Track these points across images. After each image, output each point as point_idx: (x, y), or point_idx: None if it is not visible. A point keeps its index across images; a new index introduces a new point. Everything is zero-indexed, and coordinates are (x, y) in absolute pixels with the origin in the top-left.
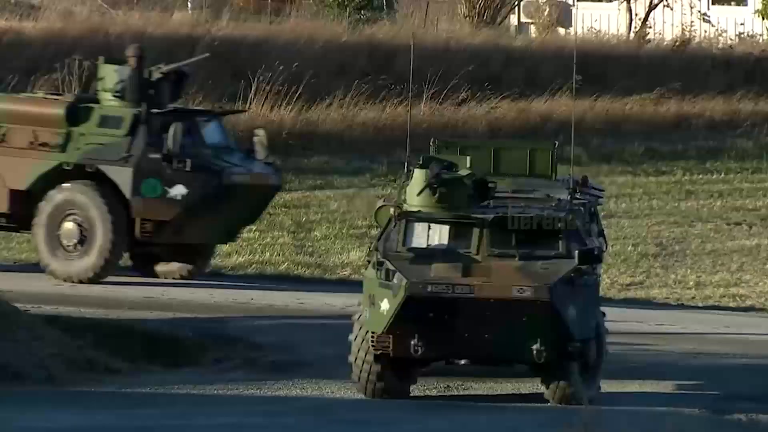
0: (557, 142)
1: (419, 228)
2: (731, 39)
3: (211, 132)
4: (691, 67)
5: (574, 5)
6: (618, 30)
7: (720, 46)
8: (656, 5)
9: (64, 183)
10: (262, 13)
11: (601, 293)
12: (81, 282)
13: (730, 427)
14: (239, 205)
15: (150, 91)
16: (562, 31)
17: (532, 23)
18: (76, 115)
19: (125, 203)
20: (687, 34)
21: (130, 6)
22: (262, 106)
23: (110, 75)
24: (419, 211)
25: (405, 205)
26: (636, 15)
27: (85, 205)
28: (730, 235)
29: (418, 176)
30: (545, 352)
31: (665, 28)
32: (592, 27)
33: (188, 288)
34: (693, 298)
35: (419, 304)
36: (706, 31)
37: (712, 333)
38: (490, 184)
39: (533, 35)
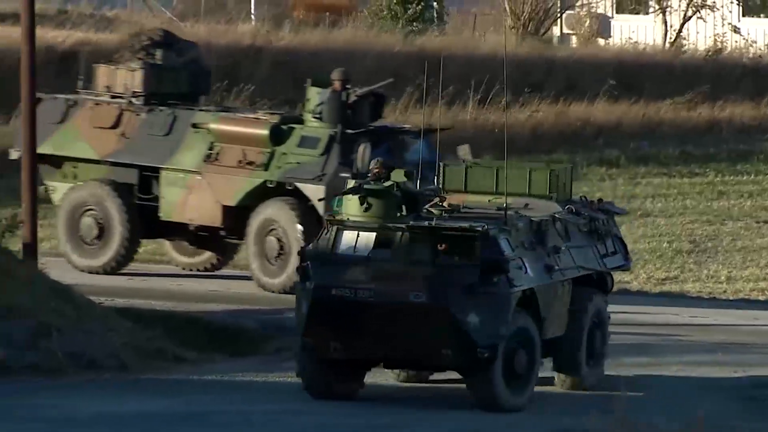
0: (572, 165)
1: (347, 235)
2: (760, 49)
3: (415, 149)
4: (722, 74)
5: (612, 17)
6: (654, 40)
7: (750, 55)
8: (690, 17)
9: (267, 199)
10: (320, 25)
11: (639, 287)
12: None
13: (759, 412)
14: None
15: (348, 112)
16: (601, 41)
17: (573, 34)
18: (279, 135)
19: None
20: (719, 44)
21: (196, 18)
22: None
23: (313, 97)
24: (347, 219)
25: (338, 214)
26: (671, 26)
27: (284, 222)
28: (760, 232)
29: (349, 188)
30: (452, 358)
31: (698, 38)
32: (629, 38)
33: (250, 282)
34: (724, 291)
35: (326, 307)
36: (736, 42)
37: (741, 324)
38: (418, 197)
39: (574, 45)
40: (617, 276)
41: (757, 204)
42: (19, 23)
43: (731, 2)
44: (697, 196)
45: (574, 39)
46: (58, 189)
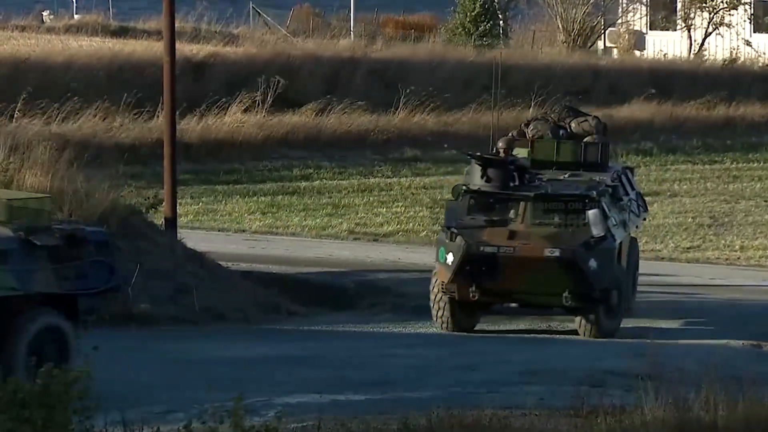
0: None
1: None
2: None
3: None
4: (737, 80)
5: (647, 33)
6: (681, 52)
7: (760, 64)
8: (710, 33)
9: None
10: (407, 40)
11: (668, 255)
12: None
13: (765, 359)
14: None
15: None
16: (637, 53)
17: (614, 47)
18: None
19: None
20: (734, 55)
21: (306, 34)
22: (408, 111)
23: None
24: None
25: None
26: (695, 41)
27: None
28: None
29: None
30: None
31: (717, 51)
32: (660, 50)
33: (349, 250)
34: (738, 258)
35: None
36: (749, 53)
37: (753, 285)
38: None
39: (615, 56)
40: (650, 245)
41: (766, 186)
42: (161, 39)
43: (744, 21)
44: (716, 179)
45: (615, 51)
46: None
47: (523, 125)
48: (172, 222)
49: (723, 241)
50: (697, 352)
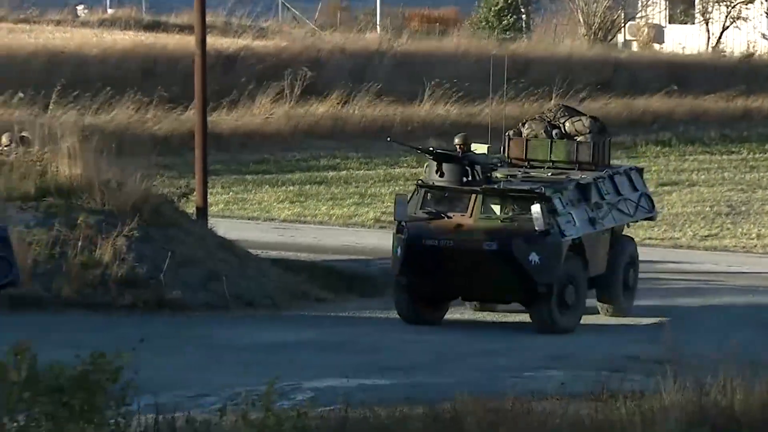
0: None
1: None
2: None
3: None
4: (754, 73)
5: (666, 27)
6: (699, 46)
7: None
8: (728, 27)
9: None
10: (432, 33)
11: (686, 243)
12: None
13: None
14: None
15: None
16: (657, 46)
17: (634, 40)
18: None
19: None
20: (751, 48)
21: (334, 28)
22: (433, 103)
23: None
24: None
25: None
26: (713, 34)
27: None
28: None
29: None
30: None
31: (735, 44)
32: (679, 43)
33: (375, 238)
34: (755, 246)
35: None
36: (765, 47)
37: None
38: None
39: (635, 50)
40: (669, 233)
41: None
42: (193, 33)
43: (761, 14)
44: (733, 169)
45: (635, 44)
46: None
47: (520, 124)
48: (203, 211)
49: (740, 230)
50: (715, 338)
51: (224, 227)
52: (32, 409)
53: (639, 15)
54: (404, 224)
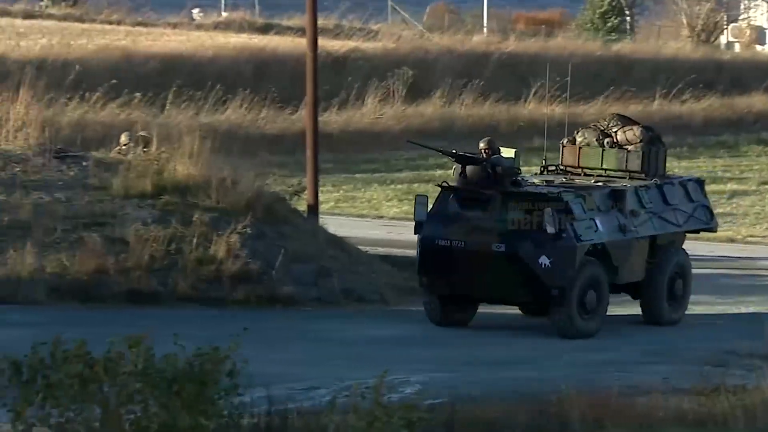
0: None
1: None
2: None
3: None
4: None
5: None
6: None
7: None
8: None
9: None
10: (538, 35)
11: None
12: None
13: None
14: None
15: None
16: (759, 47)
17: (737, 42)
18: None
19: None
20: None
21: (441, 30)
22: (539, 102)
23: None
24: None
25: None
26: None
27: None
28: None
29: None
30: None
31: None
32: None
33: None
34: None
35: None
36: None
37: None
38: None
39: (737, 51)
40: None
41: None
42: (304, 35)
43: None
44: None
45: (737, 45)
46: None
47: (575, 133)
48: (314, 209)
49: None
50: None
51: (334, 224)
52: (147, 400)
53: (741, 17)
54: (422, 224)
